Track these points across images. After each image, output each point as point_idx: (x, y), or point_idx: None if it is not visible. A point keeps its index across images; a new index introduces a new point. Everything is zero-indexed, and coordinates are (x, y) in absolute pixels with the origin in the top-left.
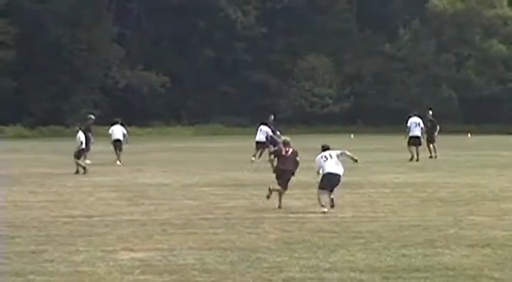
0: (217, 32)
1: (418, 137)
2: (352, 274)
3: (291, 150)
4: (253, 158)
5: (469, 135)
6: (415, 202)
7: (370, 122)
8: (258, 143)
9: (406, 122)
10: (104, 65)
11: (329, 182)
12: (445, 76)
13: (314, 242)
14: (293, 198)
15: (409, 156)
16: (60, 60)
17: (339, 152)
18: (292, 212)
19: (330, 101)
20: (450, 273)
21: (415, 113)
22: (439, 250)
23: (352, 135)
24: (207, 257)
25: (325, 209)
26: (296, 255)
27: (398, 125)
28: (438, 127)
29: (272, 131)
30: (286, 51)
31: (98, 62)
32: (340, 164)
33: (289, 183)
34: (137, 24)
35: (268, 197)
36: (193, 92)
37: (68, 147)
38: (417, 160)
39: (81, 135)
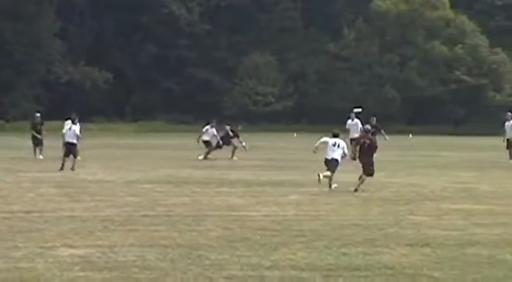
0: (161, 29)
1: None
2: (293, 272)
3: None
4: (200, 157)
5: (411, 135)
6: (357, 201)
7: (314, 120)
8: (205, 141)
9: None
10: (46, 60)
11: (331, 166)
12: (388, 76)
13: (256, 240)
14: (235, 196)
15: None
16: (1, 53)
17: (345, 147)
18: (234, 210)
19: (274, 100)
20: (389, 272)
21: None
22: (379, 249)
23: (295, 134)
24: (148, 254)
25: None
26: (237, 253)
27: (342, 124)
28: (383, 131)
29: (217, 130)
30: (230, 49)
31: (40, 56)
32: (340, 154)
33: None
34: (80, 19)
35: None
36: (137, 88)
37: (10, 141)
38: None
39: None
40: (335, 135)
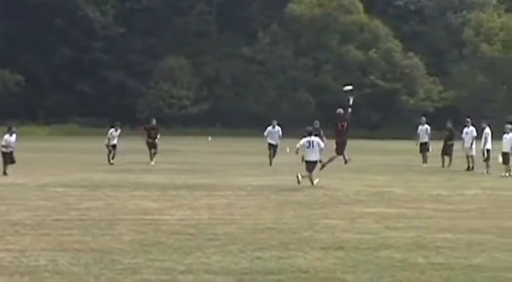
0: (75, 31)
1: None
2: (207, 276)
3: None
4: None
5: (325, 139)
6: (271, 205)
7: (228, 124)
8: (113, 146)
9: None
10: None
11: (309, 167)
12: (302, 80)
13: (169, 244)
14: (150, 200)
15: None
16: None
17: (322, 145)
18: (148, 214)
19: (188, 103)
20: (303, 275)
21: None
22: (293, 253)
23: (209, 138)
24: (60, 259)
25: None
26: (151, 257)
27: (256, 128)
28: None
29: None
30: (145, 52)
31: None
32: (317, 151)
33: None
34: None
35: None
36: (50, 91)
37: None
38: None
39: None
40: (309, 134)
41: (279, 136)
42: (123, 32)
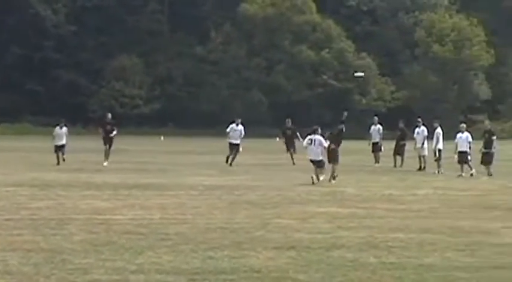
0: (26, 30)
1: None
2: (158, 276)
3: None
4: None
5: (278, 138)
6: (224, 205)
7: (181, 124)
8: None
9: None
10: None
11: (314, 164)
12: (255, 80)
13: (121, 244)
14: (101, 199)
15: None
16: None
17: (324, 143)
18: (100, 214)
19: (140, 102)
20: (255, 275)
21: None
22: (246, 252)
23: (162, 137)
24: (11, 259)
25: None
26: (102, 257)
27: (209, 127)
28: (298, 134)
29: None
30: (96, 51)
31: None
32: (319, 149)
33: None
34: None
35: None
36: (0, 90)
37: None
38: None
39: None
40: (313, 131)
41: (241, 135)
42: (74, 30)
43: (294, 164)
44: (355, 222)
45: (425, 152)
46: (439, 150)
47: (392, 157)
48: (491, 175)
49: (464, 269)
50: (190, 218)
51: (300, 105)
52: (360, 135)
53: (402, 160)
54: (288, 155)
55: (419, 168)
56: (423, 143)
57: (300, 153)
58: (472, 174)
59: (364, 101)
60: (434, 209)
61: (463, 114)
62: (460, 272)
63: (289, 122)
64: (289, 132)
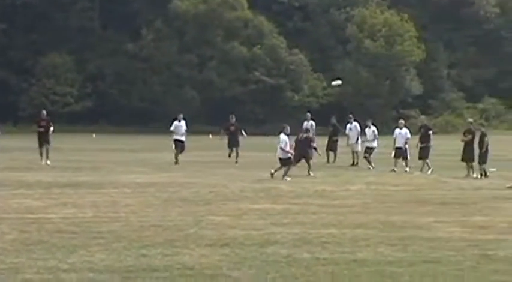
0: None
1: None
2: (91, 275)
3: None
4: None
5: (210, 136)
6: (157, 202)
7: (113, 121)
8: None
9: None
10: None
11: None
12: (187, 76)
13: (53, 243)
14: (33, 198)
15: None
16: None
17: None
18: (32, 213)
19: (72, 100)
20: (189, 272)
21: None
22: (179, 250)
23: (94, 135)
24: None
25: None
26: (34, 256)
27: (142, 124)
28: (243, 131)
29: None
30: (26, 49)
31: None
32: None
33: None
34: None
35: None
36: None
37: None
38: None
39: None
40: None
41: (185, 131)
42: (3, 28)
43: (236, 162)
44: (289, 219)
45: (359, 148)
46: (372, 148)
47: (325, 153)
48: (431, 169)
49: (397, 264)
50: (123, 216)
51: (232, 102)
52: (292, 132)
53: (335, 156)
54: (229, 152)
55: (352, 164)
56: (357, 139)
57: (243, 151)
58: (406, 171)
59: (296, 97)
60: (367, 204)
61: (395, 109)
62: (392, 267)
63: (233, 118)
64: (233, 128)
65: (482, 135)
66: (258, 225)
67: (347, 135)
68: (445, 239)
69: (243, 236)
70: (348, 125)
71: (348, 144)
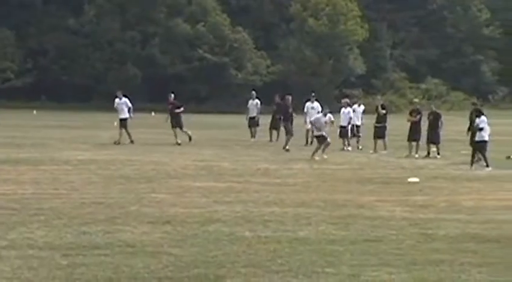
0: None
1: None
2: (31, 251)
3: None
4: None
5: (153, 113)
6: (98, 179)
7: (54, 97)
8: None
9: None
10: None
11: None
12: (130, 53)
13: None
14: None
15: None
16: None
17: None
18: None
19: (12, 76)
20: (130, 250)
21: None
22: (120, 227)
23: (34, 111)
24: None
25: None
26: None
27: (83, 101)
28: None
29: None
30: None
31: None
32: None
33: None
34: None
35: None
36: None
37: None
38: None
39: None
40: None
41: (130, 108)
42: None
43: (177, 143)
44: (231, 197)
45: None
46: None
47: (268, 131)
48: (385, 150)
49: (339, 242)
50: (64, 192)
51: (175, 79)
52: (236, 110)
53: (278, 134)
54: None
55: (306, 143)
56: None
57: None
58: (347, 149)
59: (240, 75)
60: (310, 183)
61: (338, 88)
62: (334, 245)
63: (170, 97)
64: (170, 107)
65: (436, 115)
66: (200, 203)
67: (305, 114)
68: (387, 218)
69: (185, 214)
70: (309, 104)
71: (305, 123)
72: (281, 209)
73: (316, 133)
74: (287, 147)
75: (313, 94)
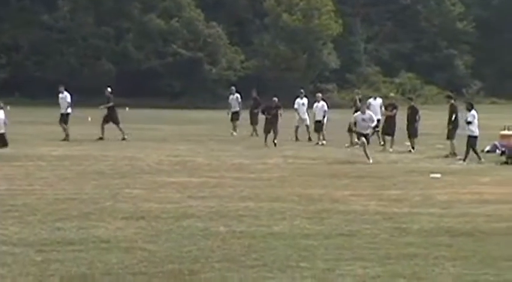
0: None
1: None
2: (4, 248)
3: None
4: None
5: (127, 109)
6: (72, 175)
7: (28, 93)
8: None
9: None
10: None
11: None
12: (104, 48)
13: None
14: None
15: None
16: None
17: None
18: None
19: None
20: (104, 245)
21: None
22: (94, 223)
23: (8, 107)
24: None
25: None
26: None
27: (57, 97)
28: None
29: None
30: None
31: None
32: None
33: None
34: None
35: None
36: None
37: None
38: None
39: None
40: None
41: (68, 103)
42: None
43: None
44: (206, 192)
45: (308, 122)
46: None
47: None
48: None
49: (313, 237)
50: (38, 188)
51: (149, 75)
52: (211, 105)
53: (255, 129)
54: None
55: (296, 139)
56: (307, 114)
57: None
58: (322, 144)
59: (214, 70)
60: (284, 177)
61: (312, 83)
62: (309, 240)
63: (107, 90)
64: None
65: (414, 110)
66: (175, 199)
67: (296, 110)
68: (361, 212)
69: (159, 209)
70: (299, 100)
71: (298, 119)
72: (256, 204)
73: (362, 131)
74: (275, 141)
75: (301, 90)
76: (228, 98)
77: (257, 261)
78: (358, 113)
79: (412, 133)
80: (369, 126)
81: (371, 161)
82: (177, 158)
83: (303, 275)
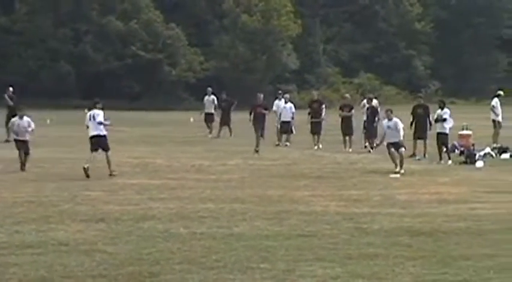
0: None
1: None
2: None
3: None
4: None
5: (86, 111)
6: (31, 178)
7: None
8: None
9: None
10: None
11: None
12: (62, 51)
13: None
14: None
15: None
16: None
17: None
18: None
19: None
20: (63, 248)
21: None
22: (54, 226)
23: None
24: None
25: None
26: None
27: (15, 99)
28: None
29: None
30: None
31: None
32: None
33: None
34: None
35: None
36: None
37: None
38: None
39: None
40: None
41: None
42: None
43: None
44: (166, 194)
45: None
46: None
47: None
48: (319, 146)
49: (273, 238)
50: None
51: (108, 77)
52: (171, 106)
53: (219, 130)
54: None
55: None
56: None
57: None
58: (286, 145)
59: (174, 72)
60: (244, 178)
61: (271, 84)
62: (268, 241)
63: (9, 90)
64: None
65: (374, 110)
66: (135, 201)
67: (275, 112)
68: (321, 212)
69: (119, 211)
70: (277, 102)
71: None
72: (216, 205)
73: (390, 140)
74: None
75: (280, 92)
76: (203, 99)
77: (217, 263)
78: (385, 120)
79: (371, 133)
80: (396, 135)
81: (402, 171)
82: (137, 160)
83: (263, 276)
